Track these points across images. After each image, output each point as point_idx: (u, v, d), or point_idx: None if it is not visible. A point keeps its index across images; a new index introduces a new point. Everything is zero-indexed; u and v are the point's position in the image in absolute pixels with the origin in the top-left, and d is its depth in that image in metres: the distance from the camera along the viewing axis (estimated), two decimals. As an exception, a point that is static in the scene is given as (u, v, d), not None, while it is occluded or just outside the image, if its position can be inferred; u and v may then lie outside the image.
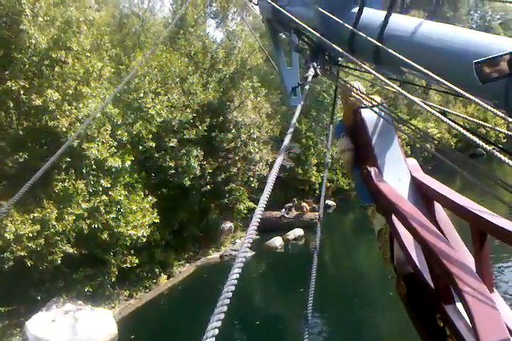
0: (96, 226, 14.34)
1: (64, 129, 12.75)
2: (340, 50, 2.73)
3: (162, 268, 18.80)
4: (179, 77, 17.75)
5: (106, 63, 14.95)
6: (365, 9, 2.94)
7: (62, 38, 13.36)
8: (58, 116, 12.70)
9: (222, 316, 1.37)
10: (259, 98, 22.64)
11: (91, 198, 14.19)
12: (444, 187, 2.90)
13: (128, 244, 15.60)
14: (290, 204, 25.76)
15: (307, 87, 3.32)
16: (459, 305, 2.31)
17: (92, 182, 14.52)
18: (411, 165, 3.21)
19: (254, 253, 20.38)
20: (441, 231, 2.69)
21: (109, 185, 14.67)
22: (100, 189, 14.49)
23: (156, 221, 16.60)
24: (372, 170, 3.04)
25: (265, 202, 1.86)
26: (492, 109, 1.86)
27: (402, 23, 2.62)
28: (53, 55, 13.08)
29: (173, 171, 17.70)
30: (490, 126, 2.58)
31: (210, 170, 19.58)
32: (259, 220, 1.77)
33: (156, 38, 18.33)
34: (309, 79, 3.28)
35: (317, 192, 28.30)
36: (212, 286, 15.90)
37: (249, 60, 20.84)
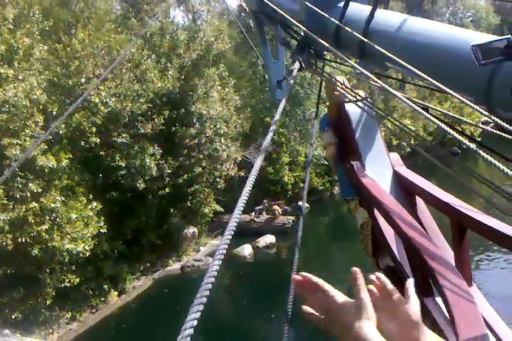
0: (23, 240, 11.76)
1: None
2: (326, 44, 2.72)
3: (112, 283, 16.58)
4: (131, 62, 15.05)
5: (37, 40, 12.15)
6: (351, 4, 2.92)
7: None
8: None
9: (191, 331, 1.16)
10: (226, 89, 20.20)
11: (16, 206, 11.58)
12: (425, 182, 2.96)
13: (66, 260, 12.98)
14: (260, 207, 23.79)
15: (292, 81, 3.75)
16: (439, 299, 2.32)
17: (20, 186, 11.84)
18: (393, 160, 3.31)
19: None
20: (422, 226, 2.74)
21: (40, 190, 12.03)
22: (29, 195, 11.84)
23: (103, 231, 14.10)
24: (356, 164, 3.13)
25: (242, 208, 1.72)
26: (473, 105, 1.89)
27: (387, 18, 2.65)
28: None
29: (124, 172, 15.06)
30: (473, 122, 2.66)
31: (169, 171, 17.07)
32: (234, 227, 1.57)
33: (104, 15, 15.55)
34: (295, 72, 3.39)
35: (289, 193, 26.42)
36: (173, 303, 14.02)
37: (216, 45, 18.25)
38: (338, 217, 27.92)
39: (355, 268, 1.25)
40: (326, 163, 26.36)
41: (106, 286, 16.01)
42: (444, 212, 2.54)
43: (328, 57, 3.83)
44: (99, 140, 13.85)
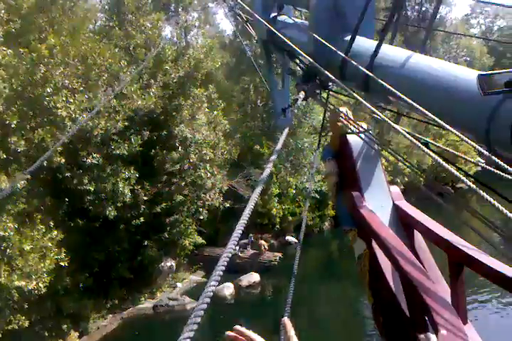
0: (-37, 273, 9.98)
1: None
2: (331, 76, 2.80)
3: (73, 322, 14.84)
4: (108, 73, 13.50)
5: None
6: (358, 38, 2.98)
7: None
8: None
9: None
10: (215, 112, 18.68)
11: (-45, 233, 9.81)
12: (424, 216, 2.96)
13: (15, 298, 11.12)
14: (245, 241, 22.13)
15: (296, 110, 4.17)
16: (433, 335, 2.34)
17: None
18: (393, 193, 3.29)
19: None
20: (420, 260, 2.73)
21: (-12, 215, 10.30)
22: (-27, 221, 10.12)
23: (63, 264, 12.35)
24: (355, 195, 3.12)
25: (235, 243, 1.70)
26: (472, 142, 1.94)
27: (392, 53, 2.74)
28: None
29: (92, 197, 13.32)
30: (471, 160, 2.75)
31: (145, 198, 15.35)
32: (225, 265, 1.53)
33: (81, 22, 14.07)
34: (299, 101, 3.48)
35: (277, 226, 24.90)
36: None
37: (205, 63, 16.86)
38: (327, 253, 26.43)
39: (284, 319, 1.75)
40: (318, 196, 24.96)
41: (65, 326, 14.39)
42: (441, 247, 2.54)
43: (333, 89, 3.84)
44: (65, 160, 12.18)
